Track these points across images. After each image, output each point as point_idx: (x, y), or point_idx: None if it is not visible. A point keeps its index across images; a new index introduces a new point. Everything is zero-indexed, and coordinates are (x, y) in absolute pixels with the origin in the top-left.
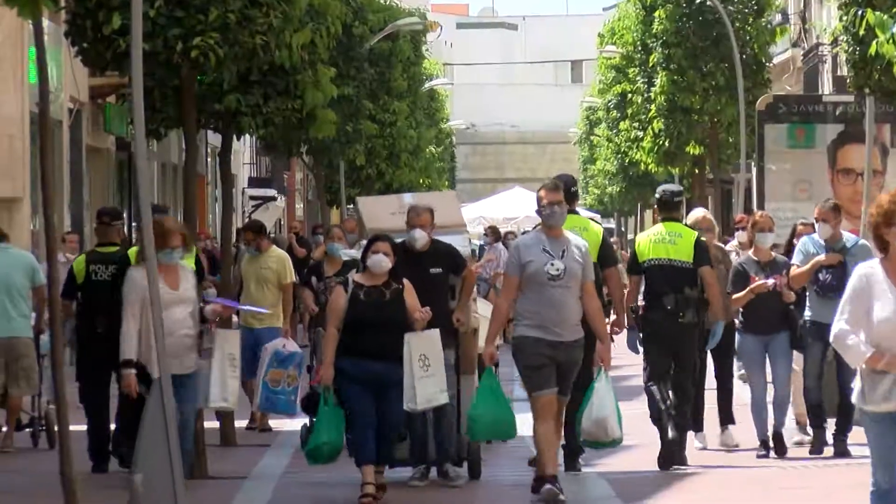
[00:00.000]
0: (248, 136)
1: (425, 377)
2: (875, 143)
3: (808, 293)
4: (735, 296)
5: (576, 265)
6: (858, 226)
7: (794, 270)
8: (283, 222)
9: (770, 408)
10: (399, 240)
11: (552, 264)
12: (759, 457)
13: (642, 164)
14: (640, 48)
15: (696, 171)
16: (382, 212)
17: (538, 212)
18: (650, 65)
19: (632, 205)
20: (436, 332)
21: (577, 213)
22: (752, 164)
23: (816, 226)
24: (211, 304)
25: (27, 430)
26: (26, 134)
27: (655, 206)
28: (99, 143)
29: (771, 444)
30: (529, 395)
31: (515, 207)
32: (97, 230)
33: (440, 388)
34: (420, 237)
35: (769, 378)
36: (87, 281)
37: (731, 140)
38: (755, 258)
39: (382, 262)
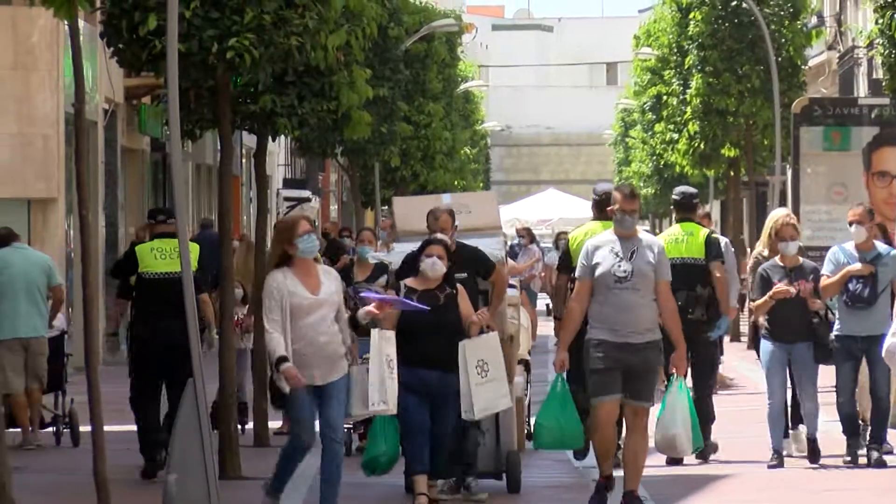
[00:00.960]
0: (282, 137)
1: (482, 384)
2: None
3: (837, 305)
4: (756, 302)
5: (646, 266)
6: (894, 229)
7: (823, 281)
8: (317, 224)
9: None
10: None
11: (619, 266)
12: (770, 467)
13: (677, 166)
14: (675, 50)
15: (732, 173)
16: (416, 213)
17: (611, 214)
18: (685, 67)
19: (666, 207)
20: (494, 336)
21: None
22: (787, 166)
23: (852, 229)
24: (365, 308)
25: (50, 428)
26: (61, 134)
27: (672, 207)
28: (134, 143)
29: (794, 451)
30: (591, 400)
31: (550, 209)
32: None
33: (501, 393)
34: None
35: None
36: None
37: (766, 142)
38: (780, 263)
39: (436, 265)
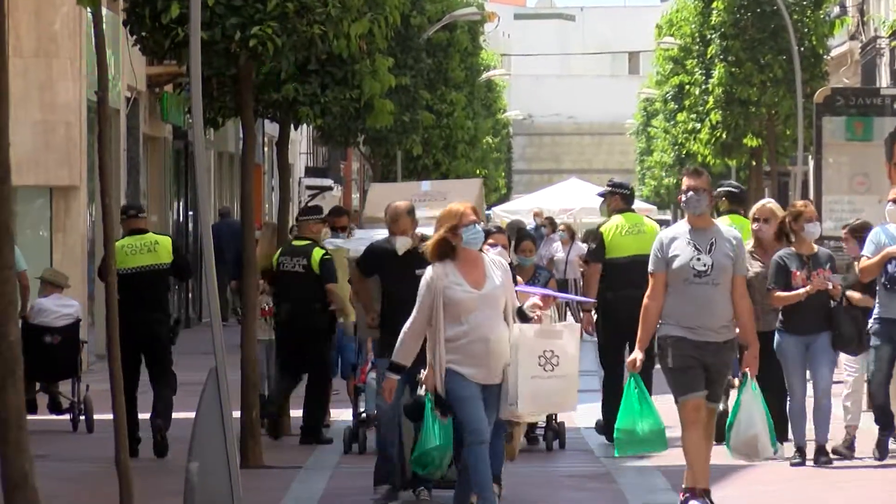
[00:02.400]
0: (305, 125)
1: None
2: None
3: (876, 288)
4: (778, 294)
5: (725, 260)
6: None
7: (863, 262)
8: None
9: (809, 414)
10: (378, 235)
11: (698, 259)
12: (793, 464)
13: (699, 155)
14: (697, 40)
15: (754, 163)
16: (389, 199)
17: (680, 202)
18: (708, 56)
19: None
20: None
21: (632, 211)
22: (809, 156)
23: (887, 208)
24: (531, 301)
25: (67, 415)
26: (83, 122)
27: (725, 198)
28: (156, 131)
29: (810, 456)
30: (676, 400)
31: (572, 199)
32: (299, 226)
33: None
34: (401, 245)
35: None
36: (277, 270)
37: (788, 132)
38: (796, 251)
39: (503, 255)
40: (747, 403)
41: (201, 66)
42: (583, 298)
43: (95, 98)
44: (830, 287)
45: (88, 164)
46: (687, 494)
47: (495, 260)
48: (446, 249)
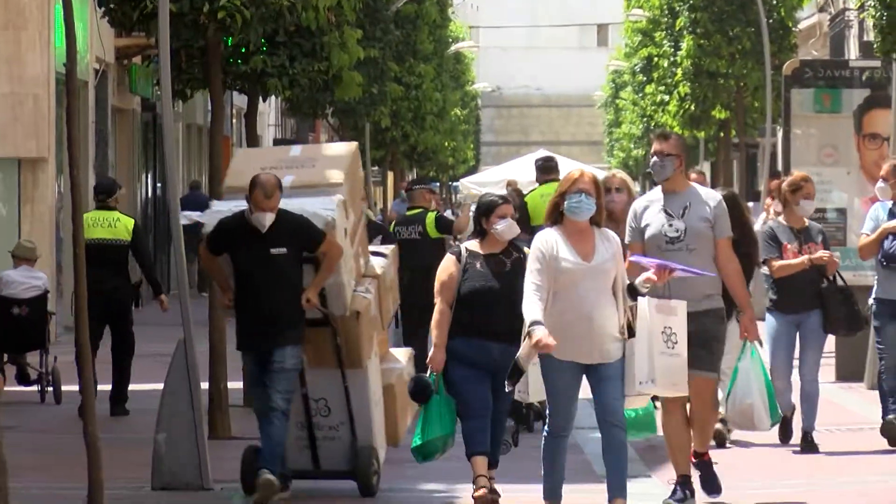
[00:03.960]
0: (273, 97)
1: (537, 364)
2: None
3: (875, 267)
4: (779, 263)
5: (701, 224)
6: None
7: (862, 239)
8: None
9: (797, 403)
10: (240, 207)
11: (670, 225)
12: (782, 440)
13: (668, 127)
14: (666, 12)
15: (722, 135)
16: (254, 166)
17: (650, 167)
18: (676, 28)
19: None
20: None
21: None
22: (778, 128)
23: (878, 187)
24: (644, 275)
25: (35, 386)
26: (52, 94)
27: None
28: (124, 103)
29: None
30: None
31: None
32: (410, 196)
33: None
34: (268, 221)
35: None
36: (396, 240)
37: (756, 104)
38: (787, 224)
39: (513, 227)
40: (745, 371)
41: (170, 37)
42: (700, 272)
43: (64, 70)
44: (826, 257)
45: (57, 136)
46: (679, 481)
47: (606, 232)
48: (556, 215)
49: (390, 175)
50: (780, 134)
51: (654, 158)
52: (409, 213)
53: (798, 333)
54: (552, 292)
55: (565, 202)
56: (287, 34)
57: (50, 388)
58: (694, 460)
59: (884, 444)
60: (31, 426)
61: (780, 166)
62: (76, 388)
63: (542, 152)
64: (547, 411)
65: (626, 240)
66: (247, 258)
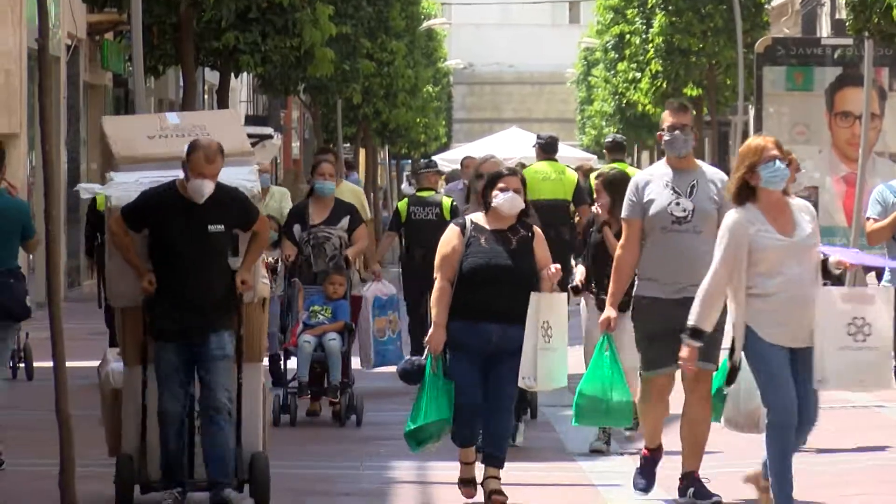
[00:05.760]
0: (245, 73)
1: (545, 350)
2: (873, 87)
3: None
4: None
5: (709, 204)
6: (856, 169)
7: (870, 225)
8: (279, 161)
9: None
10: (163, 177)
11: (677, 203)
12: None
13: (640, 105)
14: None
15: (694, 112)
16: (138, 135)
17: (659, 140)
18: (648, 6)
19: (629, 146)
20: (563, 297)
21: (555, 160)
22: (750, 106)
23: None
24: (834, 256)
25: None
26: (24, 70)
27: (606, 150)
28: (96, 79)
29: None
30: (641, 373)
31: (512, 148)
32: (418, 178)
33: (562, 367)
34: (208, 190)
35: None
36: (408, 220)
37: (728, 82)
38: None
39: (515, 201)
40: (747, 370)
41: (142, 13)
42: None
43: (36, 46)
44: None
45: (28, 111)
46: (647, 455)
47: (801, 204)
48: (746, 192)
49: (362, 152)
50: (752, 112)
51: (676, 132)
52: (420, 194)
53: None
54: (752, 273)
55: (760, 174)
56: (259, 10)
57: (22, 365)
58: (682, 483)
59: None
60: (0, 403)
61: None
62: (50, 363)
63: (515, 129)
64: (765, 402)
65: (624, 215)
66: (179, 235)
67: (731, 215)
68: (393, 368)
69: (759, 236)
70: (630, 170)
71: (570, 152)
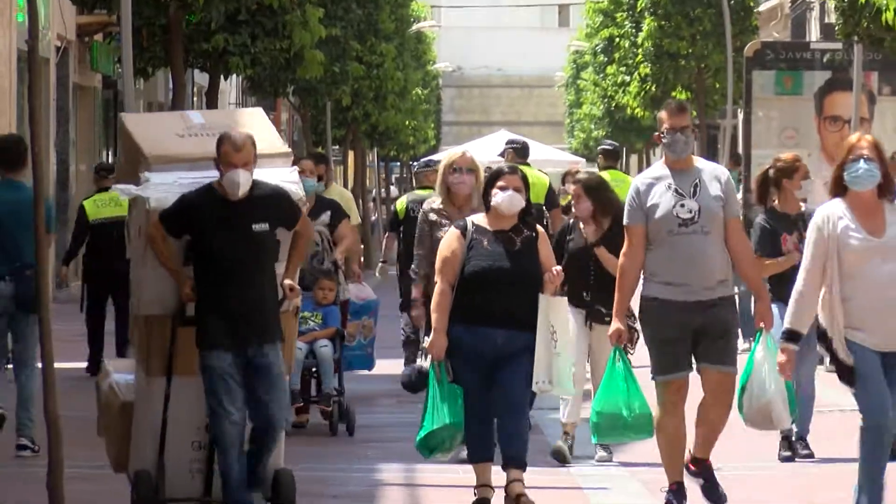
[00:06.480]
0: (234, 75)
1: (556, 355)
2: (862, 91)
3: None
4: (768, 261)
5: (714, 203)
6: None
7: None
8: None
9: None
10: (204, 178)
11: (682, 205)
12: (782, 460)
13: (629, 108)
14: None
15: None
16: (166, 133)
17: (657, 141)
18: (637, 9)
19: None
20: (565, 301)
21: (528, 164)
22: (739, 110)
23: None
24: None
25: None
26: (13, 71)
27: (601, 156)
28: (85, 81)
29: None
30: (654, 378)
31: (500, 150)
32: (418, 177)
33: (568, 373)
34: (244, 181)
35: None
36: (407, 217)
37: (717, 86)
38: (783, 211)
39: (514, 200)
40: (759, 364)
41: (131, 15)
42: None
43: (25, 47)
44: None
45: (18, 113)
46: (671, 491)
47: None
48: (839, 187)
49: (351, 154)
50: (741, 116)
51: (677, 134)
52: (421, 191)
53: None
54: (840, 274)
55: (846, 173)
56: (249, 12)
57: (10, 366)
58: (693, 468)
59: None
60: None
61: (740, 148)
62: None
63: (504, 132)
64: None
65: (626, 221)
66: (222, 238)
67: (819, 211)
68: (383, 370)
69: (845, 233)
70: (621, 176)
71: (559, 155)
